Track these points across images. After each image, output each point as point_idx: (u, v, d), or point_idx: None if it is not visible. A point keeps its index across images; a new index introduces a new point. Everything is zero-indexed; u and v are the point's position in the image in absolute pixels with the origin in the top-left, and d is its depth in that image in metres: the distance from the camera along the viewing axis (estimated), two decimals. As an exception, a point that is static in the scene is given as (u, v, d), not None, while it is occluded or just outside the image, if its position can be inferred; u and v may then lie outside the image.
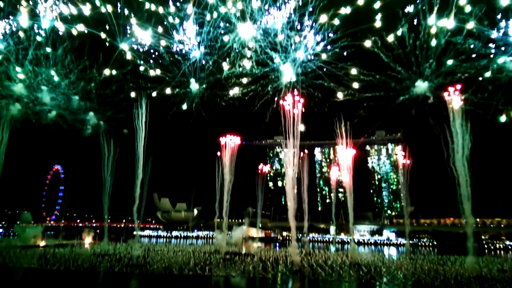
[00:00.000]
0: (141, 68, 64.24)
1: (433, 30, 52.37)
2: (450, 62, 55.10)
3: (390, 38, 54.43)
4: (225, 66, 62.71)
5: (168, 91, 66.10)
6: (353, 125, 65.72)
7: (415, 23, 53.07)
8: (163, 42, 60.58)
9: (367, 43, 54.99)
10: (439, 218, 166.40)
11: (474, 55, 53.77)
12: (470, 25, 49.89)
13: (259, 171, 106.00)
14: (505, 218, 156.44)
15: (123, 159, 73.66)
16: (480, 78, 54.18)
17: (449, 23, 50.49)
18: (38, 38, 58.22)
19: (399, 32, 53.87)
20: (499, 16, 49.75)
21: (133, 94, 61.52)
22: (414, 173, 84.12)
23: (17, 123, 65.40)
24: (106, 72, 62.33)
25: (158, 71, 63.86)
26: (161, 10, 57.18)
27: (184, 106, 66.88)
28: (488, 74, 53.36)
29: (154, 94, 63.44)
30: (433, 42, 53.27)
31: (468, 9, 49.20)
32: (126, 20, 57.62)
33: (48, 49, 59.65)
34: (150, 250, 64.21)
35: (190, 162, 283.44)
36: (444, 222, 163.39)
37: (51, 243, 77.20)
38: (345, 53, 58.07)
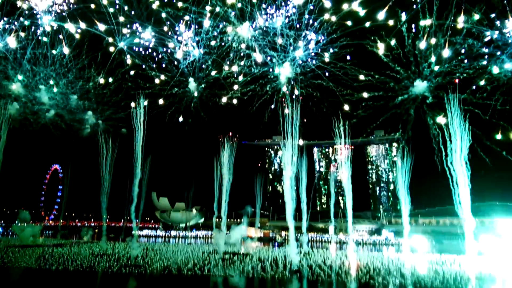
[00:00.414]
0: (140, 68, 64.29)
1: (431, 34, 52.59)
2: (436, 68, 55.59)
3: (390, 40, 54.65)
4: (224, 66, 62.83)
5: (164, 97, 66.23)
6: (352, 125, 65.74)
7: (413, 27, 53.29)
8: (162, 42, 60.62)
9: (381, 46, 55.27)
10: (438, 218, 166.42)
11: (467, 59, 54.17)
12: (460, 25, 50.21)
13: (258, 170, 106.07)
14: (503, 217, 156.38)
15: (121, 158, 73.56)
16: (474, 87, 54.70)
17: (444, 52, 51.46)
18: (42, 38, 58.23)
19: (392, 42, 54.20)
20: (493, 15, 49.98)
21: (132, 103, 61.40)
22: (413, 173, 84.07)
23: (16, 123, 65.33)
24: (102, 81, 62.40)
25: (162, 77, 63.99)
26: (160, 8, 57.22)
27: (181, 119, 67.16)
28: (482, 82, 54.02)
29: (145, 103, 63.01)
30: (432, 58, 53.83)
31: (469, 16, 49.52)
32: (125, 19, 57.61)
33: (47, 49, 59.63)
34: (148, 249, 64.08)
35: (189, 161, 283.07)
36: (443, 222, 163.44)
37: (49, 242, 77.02)
38: (348, 57, 58.30)
